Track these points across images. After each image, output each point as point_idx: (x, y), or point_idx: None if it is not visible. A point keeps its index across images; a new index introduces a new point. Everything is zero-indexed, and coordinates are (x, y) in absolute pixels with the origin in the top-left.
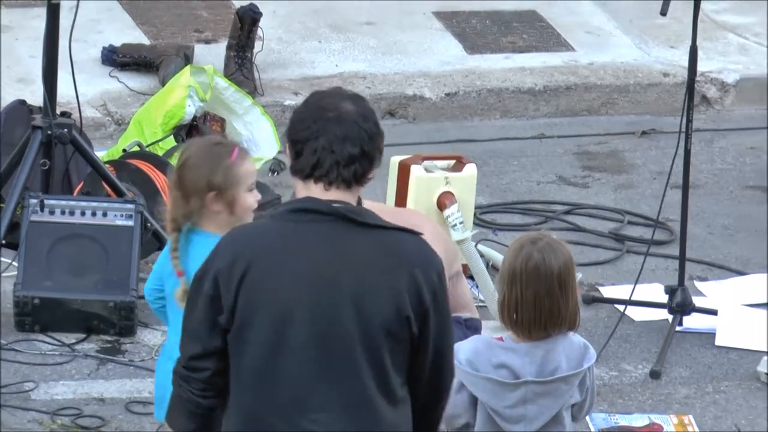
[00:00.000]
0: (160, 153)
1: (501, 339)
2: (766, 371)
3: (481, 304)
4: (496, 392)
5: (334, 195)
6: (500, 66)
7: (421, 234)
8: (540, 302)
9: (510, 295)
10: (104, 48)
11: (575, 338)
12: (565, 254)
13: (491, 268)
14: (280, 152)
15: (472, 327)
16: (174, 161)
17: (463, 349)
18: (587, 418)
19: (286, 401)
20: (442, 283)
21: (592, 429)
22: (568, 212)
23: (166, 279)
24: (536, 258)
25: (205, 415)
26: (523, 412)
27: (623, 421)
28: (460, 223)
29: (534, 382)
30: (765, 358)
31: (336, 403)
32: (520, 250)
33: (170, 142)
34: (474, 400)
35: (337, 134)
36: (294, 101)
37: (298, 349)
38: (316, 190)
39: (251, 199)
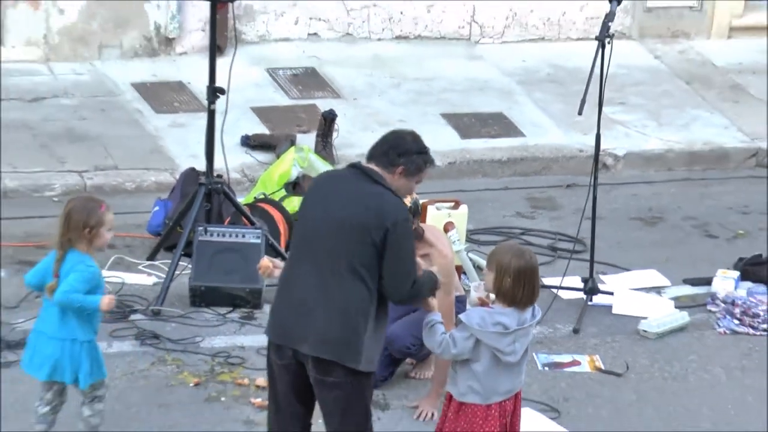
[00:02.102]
0: (276, 198)
1: (490, 307)
2: (643, 329)
3: (466, 289)
4: (498, 339)
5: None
6: (481, 146)
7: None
8: (531, 282)
9: (501, 279)
10: (242, 136)
11: None
12: (531, 255)
13: (476, 267)
14: None
15: (462, 300)
16: (286, 205)
17: (473, 316)
18: (534, 355)
19: (289, 292)
20: (397, 223)
21: (539, 363)
22: (522, 233)
23: (47, 276)
24: (527, 256)
25: None
26: (513, 348)
27: (557, 358)
28: (457, 240)
29: (517, 330)
30: (642, 321)
31: (316, 278)
32: (515, 253)
33: (281, 192)
34: (475, 346)
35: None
36: None
37: (304, 252)
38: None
39: (108, 235)
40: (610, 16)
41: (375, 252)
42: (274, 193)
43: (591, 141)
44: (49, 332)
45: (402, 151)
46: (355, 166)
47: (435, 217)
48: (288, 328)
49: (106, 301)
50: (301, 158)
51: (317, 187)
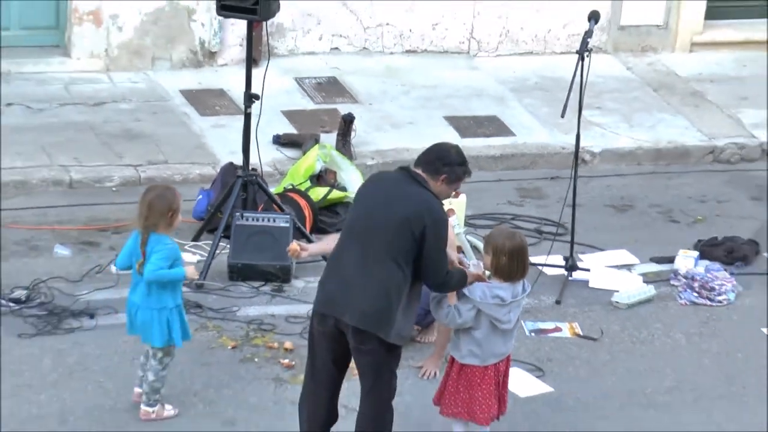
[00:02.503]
0: (303, 189)
1: (489, 282)
2: (615, 300)
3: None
4: (496, 310)
5: (419, 171)
6: (478, 144)
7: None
8: (521, 261)
9: (498, 259)
10: (274, 135)
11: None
12: (522, 238)
13: (473, 247)
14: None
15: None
16: (311, 194)
17: (475, 290)
18: (522, 323)
19: (338, 263)
20: (436, 221)
21: (526, 330)
22: (513, 219)
23: (134, 256)
24: (517, 239)
25: None
26: (509, 317)
27: (542, 325)
28: (457, 224)
29: (512, 302)
30: (614, 294)
31: (361, 262)
32: (507, 236)
33: (307, 184)
34: (476, 316)
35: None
36: (372, 162)
37: (353, 234)
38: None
39: (181, 218)
40: (588, 33)
41: (414, 244)
42: (300, 184)
43: (572, 140)
44: (141, 303)
45: (447, 162)
46: (404, 169)
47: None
48: (333, 300)
49: (191, 270)
50: (324, 154)
51: (370, 184)
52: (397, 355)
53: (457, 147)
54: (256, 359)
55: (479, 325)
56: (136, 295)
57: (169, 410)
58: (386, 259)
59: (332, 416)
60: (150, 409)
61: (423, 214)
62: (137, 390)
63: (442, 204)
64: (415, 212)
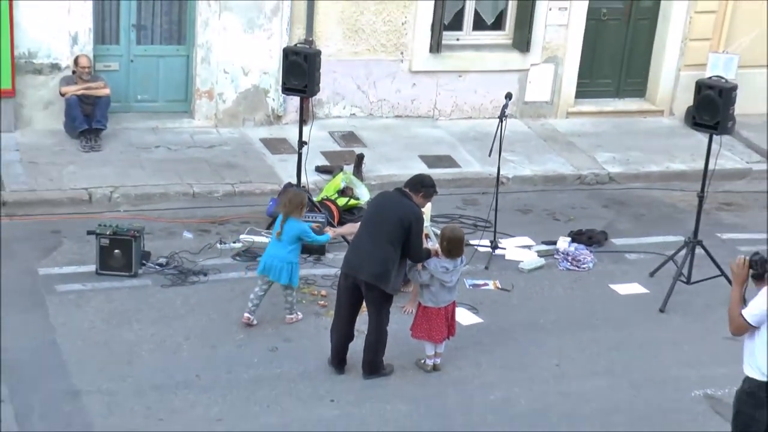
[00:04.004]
0: (333, 198)
1: (440, 257)
2: (521, 267)
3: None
4: (443, 275)
5: (407, 190)
6: (439, 172)
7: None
8: (459, 246)
9: (444, 244)
10: (315, 166)
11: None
12: (460, 231)
13: (435, 235)
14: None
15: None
16: (338, 202)
17: (431, 262)
18: (464, 281)
19: (359, 242)
20: (417, 220)
21: (466, 285)
22: (459, 217)
23: (276, 228)
24: (456, 232)
25: None
26: (451, 279)
27: (476, 281)
28: (426, 221)
29: (452, 270)
30: (520, 262)
31: (372, 243)
32: (450, 230)
33: (335, 196)
34: (431, 278)
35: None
36: (375, 183)
37: (367, 227)
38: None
39: (305, 210)
40: (505, 106)
41: (403, 233)
42: (331, 196)
43: (494, 170)
44: (278, 256)
45: (424, 185)
46: (398, 189)
47: None
48: (354, 266)
49: (332, 233)
50: (345, 178)
51: (378, 197)
52: (390, 299)
53: (429, 176)
54: (303, 301)
55: (434, 283)
56: (273, 251)
57: (299, 315)
58: (386, 242)
59: (350, 336)
60: (291, 316)
61: (410, 216)
62: (246, 315)
63: (421, 210)
64: (405, 214)
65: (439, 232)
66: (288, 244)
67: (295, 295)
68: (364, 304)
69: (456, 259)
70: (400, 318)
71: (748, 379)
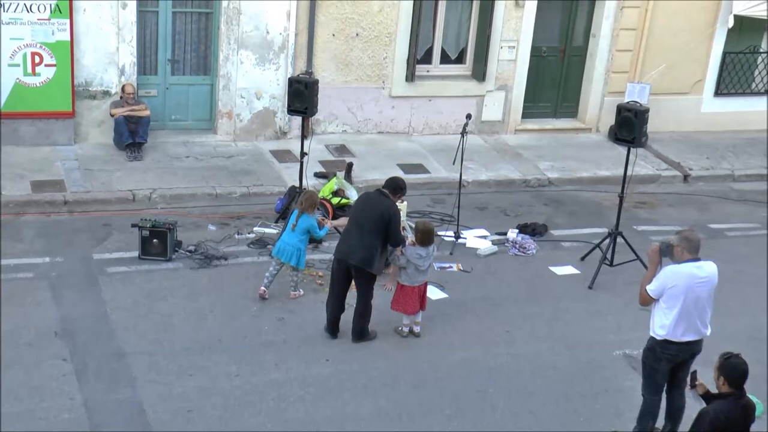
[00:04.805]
0: (328, 197)
1: (414, 246)
2: (478, 253)
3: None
4: (417, 259)
5: (385, 190)
6: (413, 177)
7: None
8: (430, 237)
9: (418, 235)
10: (315, 172)
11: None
12: (431, 225)
13: (410, 227)
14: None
15: (404, 240)
16: (333, 201)
17: (407, 249)
18: (434, 264)
19: (348, 234)
20: (395, 214)
21: (435, 267)
22: (429, 213)
23: (291, 221)
24: (428, 225)
25: None
26: (423, 263)
27: (443, 264)
28: (403, 216)
29: (425, 256)
30: (478, 249)
31: (359, 235)
32: (423, 224)
33: (330, 196)
34: (407, 262)
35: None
36: (362, 185)
37: (354, 221)
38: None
39: (315, 209)
40: (466, 124)
41: (384, 226)
42: (326, 196)
43: (457, 175)
44: (290, 243)
45: (399, 187)
46: (378, 190)
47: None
48: (345, 252)
49: (329, 225)
50: (338, 181)
51: (363, 196)
52: (374, 279)
53: (402, 179)
54: (304, 280)
55: (409, 267)
56: (286, 239)
57: (300, 292)
58: (371, 233)
59: (342, 309)
60: (294, 293)
61: (389, 211)
62: (262, 288)
63: (398, 207)
64: (385, 210)
65: (413, 225)
66: (299, 234)
67: (299, 275)
68: (353, 283)
69: (428, 247)
70: (382, 294)
71: (650, 338)
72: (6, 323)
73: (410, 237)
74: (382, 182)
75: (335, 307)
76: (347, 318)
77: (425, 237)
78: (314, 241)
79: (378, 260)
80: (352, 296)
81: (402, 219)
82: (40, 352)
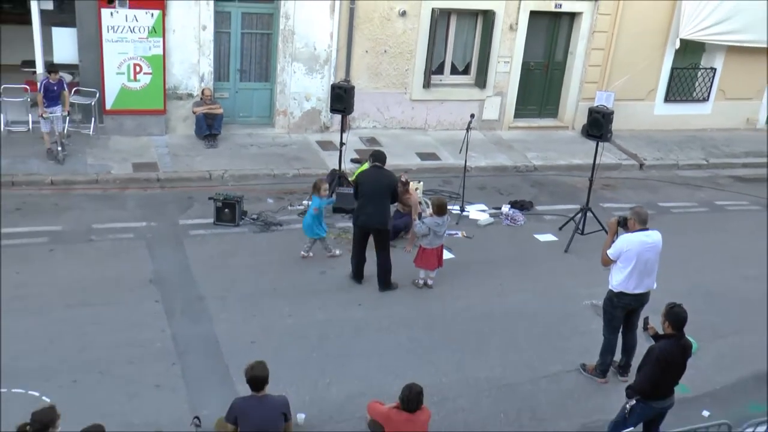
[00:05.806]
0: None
1: (432, 216)
2: (479, 223)
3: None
4: (435, 226)
5: (377, 164)
6: (427, 163)
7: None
8: (443, 208)
9: (434, 207)
10: (351, 158)
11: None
12: (444, 199)
13: (426, 203)
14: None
15: (421, 216)
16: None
17: (426, 220)
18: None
19: (364, 205)
20: (394, 182)
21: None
22: (441, 191)
23: (314, 204)
24: (441, 200)
25: None
26: (441, 230)
27: (451, 232)
28: (419, 194)
29: (442, 224)
30: (478, 220)
31: (373, 204)
32: (437, 199)
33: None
34: (428, 231)
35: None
36: (389, 168)
37: (367, 195)
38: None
39: (322, 191)
40: (470, 122)
41: (390, 193)
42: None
43: (462, 162)
44: (307, 221)
45: (385, 157)
46: (375, 166)
47: (414, 187)
48: (364, 221)
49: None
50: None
51: (367, 173)
52: (389, 235)
53: (383, 152)
54: (342, 242)
55: (429, 233)
56: (306, 219)
57: (336, 252)
58: (382, 199)
59: (364, 260)
60: (330, 253)
61: (392, 180)
62: (302, 253)
63: (395, 175)
64: (390, 180)
65: (429, 201)
66: (312, 212)
67: (326, 240)
68: (369, 240)
69: (443, 216)
70: (403, 255)
71: (609, 291)
72: (113, 272)
73: (428, 210)
74: (402, 166)
75: (359, 260)
76: (369, 268)
77: (440, 208)
78: (347, 212)
79: (389, 218)
80: (370, 256)
81: (419, 196)
82: (139, 295)
